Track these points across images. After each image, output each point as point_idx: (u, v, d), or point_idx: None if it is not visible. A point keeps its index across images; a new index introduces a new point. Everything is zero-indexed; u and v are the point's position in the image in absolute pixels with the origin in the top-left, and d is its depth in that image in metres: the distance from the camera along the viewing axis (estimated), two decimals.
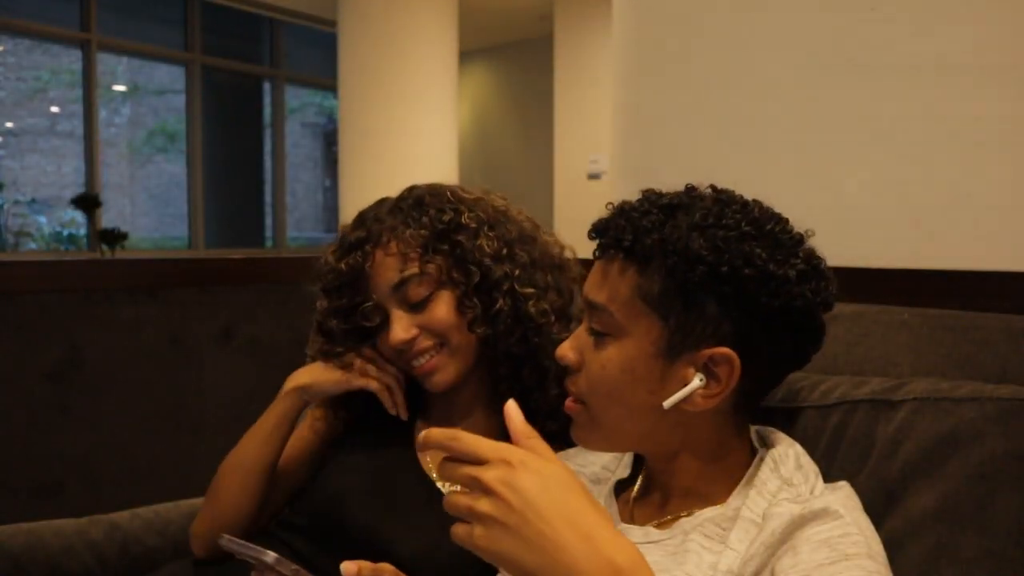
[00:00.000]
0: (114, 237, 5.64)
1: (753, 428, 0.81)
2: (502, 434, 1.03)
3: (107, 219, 6.62)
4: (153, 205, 7.74)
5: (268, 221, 8.12)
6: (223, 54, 7.55)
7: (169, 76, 7.46)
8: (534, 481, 0.56)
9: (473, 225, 1.01)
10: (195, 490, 1.27)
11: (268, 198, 8.10)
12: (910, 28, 1.09)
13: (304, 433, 1.13)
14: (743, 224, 0.71)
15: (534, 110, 7.48)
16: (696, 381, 0.72)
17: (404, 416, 1.05)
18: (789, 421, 0.85)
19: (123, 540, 1.26)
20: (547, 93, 6.55)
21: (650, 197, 0.77)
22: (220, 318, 1.81)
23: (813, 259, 0.74)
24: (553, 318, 1.02)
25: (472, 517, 0.57)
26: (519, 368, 1.01)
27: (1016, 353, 0.80)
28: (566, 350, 0.78)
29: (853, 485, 0.75)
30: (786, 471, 0.74)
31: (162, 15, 7.32)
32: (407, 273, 0.98)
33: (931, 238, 1.08)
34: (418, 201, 1.03)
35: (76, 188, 6.60)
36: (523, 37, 7.68)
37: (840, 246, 0.80)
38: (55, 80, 6.87)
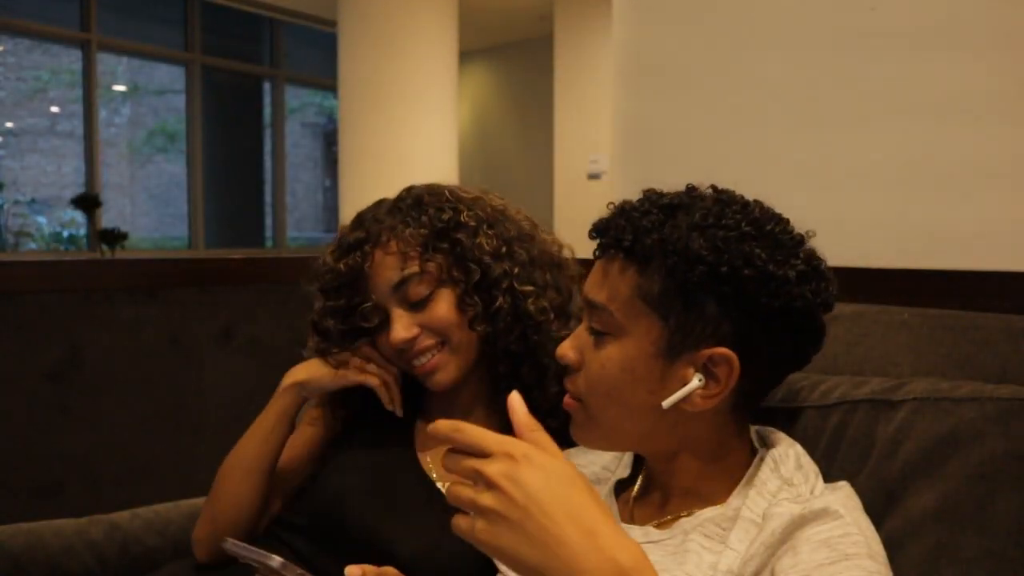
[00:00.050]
0: (114, 237, 5.64)
1: (753, 428, 0.81)
2: (503, 432, 1.03)
3: (107, 219, 6.62)
4: (153, 205, 7.74)
5: (268, 221, 8.12)
6: (223, 54, 7.55)
7: (169, 76, 7.46)
8: (537, 476, 0.56)
9: (472, 223, 1.01)
10: (195, 490, 1.27)
11: (268, 198, 8.10)
12: (911, 27, 1.09)
13: (303, 434, 1.13)
14: (743, 224, 0.71)
15: (534, 110, 7.48)
16: (695, 381, 0.72)
17: (399, 413, 1.05)
18: (789, 421, 0.85)
19: (123, 540, 1.26)
20: (547, 93, 6.55)
21: (651, 197, 0.77)
22: (220, 318, 1.81)
23: (813, 260, 0.74)
24: (552, 316, 1.02)
25: (474, 510, 0.57)
26: (519, 366, 1.01)
27: (1016, 353, 0.80)
28: (566, 349, 0.78)
29: (853, 485, 0.75)
30: (786, 471, 0.74)
31: (162, 15, 7.32)
32: (407, 272, 0.98)
33: (931, 238, 1.08)
34: (417, 200, 1.03)
35: (76, 188, 6.60)
36: (523, 37, 7.68)
37: (840, 246, 0.80)
38: (55, 80, 6.87)
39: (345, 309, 1.03)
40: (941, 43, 1.07)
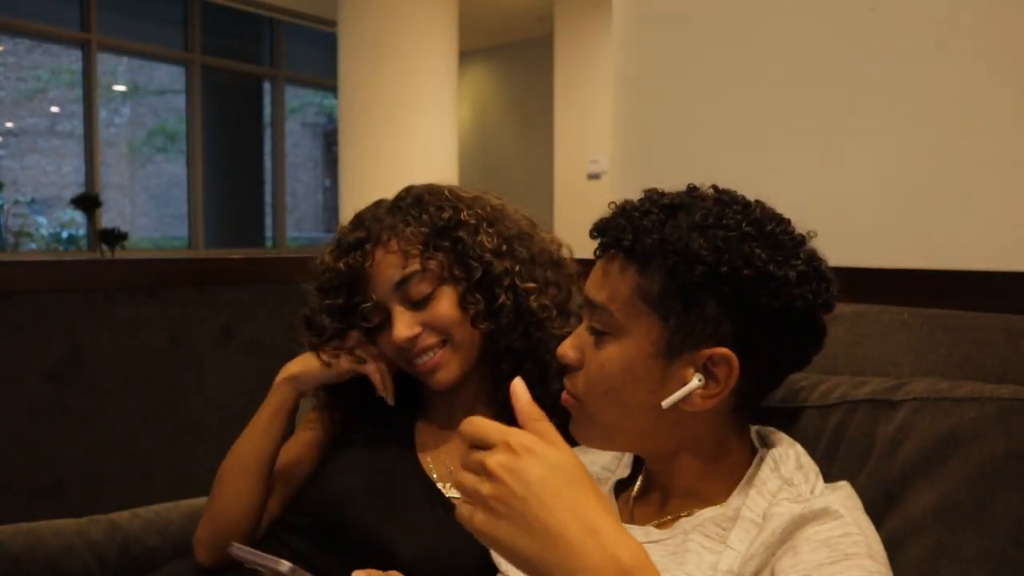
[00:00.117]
0: (114, 237, 5.64)
1: (753, 428, 0.81)
2: None
3: (107, 219, 6.62)
4: (153, 205, 7.74)
5: (268, 221, 8.12)
6: (223, 54, 7.55)
7: (169, 76, 7.46)
8: (537, 467, 0.56)
9: (473, 222, 1.01)
10: (195, 490, 1.27)
11: (268, 198, 8.10)
12: (911, 27, 1.09)
13: (301, 436, 1.13)
14: (744, 224, 0.71)
15: (534, 110, 7.48)
16: (695, 381, 0.72)
17: (391, 400, 1.05)
18: (789, 421, 0.85)
19: (123, 540, 1.25)
20: (547, 93, 6.55)
21: (651, 197, 0.77)
22: (220, 318, 1.81)
23: (814, 260, 0.74)
24: (555, 312, 1.02)
25: (475, 500, 0.57)
26: (521, 364, 1.01)
27: (1016, 353, 0.80)
28: (566, 349, 0.78)
29: (853, 485, 0.75)
30: (786, 471, 0.74)
31: (162, 15, 7.32)
32: (409, 270, 0.98)
33: (931, 238, 1.08)
34: (417, 200, 1.03)
35: (76, 188, 6.60)
36: (523, 37, 7.68)
37: (840, 246, 0.80)
38: (55, 80, 6.87)
39: (344, 308, 1.03)
40: (942, 43, 1.07)
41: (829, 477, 0.76)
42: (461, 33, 5.59)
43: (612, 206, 0.78)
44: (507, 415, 1.09)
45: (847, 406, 0.82)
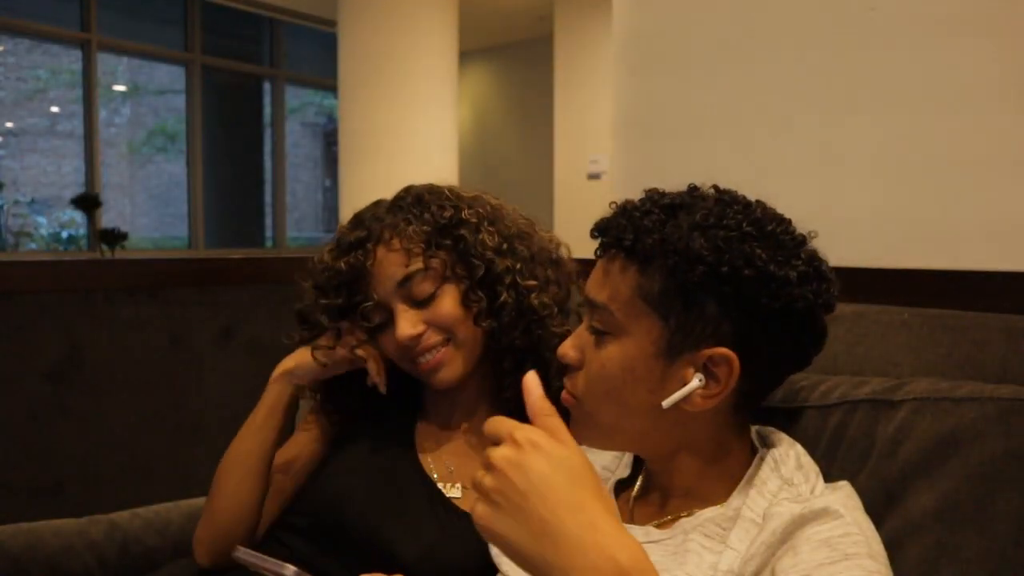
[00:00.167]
0: (114, 237, 5.64)
1: (753, 428, 0.81)
2: None
3: (107, 219, 6.62)
4: (153, 205, 7.74)
5: (268, 221, 8.12)
6: (223, 54, 7.55)
7: (169, 76, 7.46)
8: (540, 463, 0.56)
9: (474, 220, 1.02)
10: (195, 490, 1.27)
11: (268, 198, 8.10)
12: (910, 27, 1.09)
13: (299, 438, 1.12)
14: (744, 225, 0.71)
15: (534, 110, 7.48)
16: (695, 381, 0.72)
17: (383, 389, 1.04)
18: (789, 421, 0.85)
19: (123, 540, 1.25)
20: (547, 93, 6.55)
21: (652, 197, 0.77)
22: (220, 318, 1.81)
23: (815, 261, 0.74)
24: (555, 310, 1.03)
25: (480, 493, 0.57)
26: (522, 362, 1.01)
27: (1016, 353, 0.80)
28: (567, 348, 0.78)
29: (853, 485, 0.75)
30: (786, 471, 0.74)
31: (162, 15, 7.32)
32: (412, 269, 0.98)
33: (931, 238, 1.08)
34: (418, 199, 1.03)
35: (76, 188, 6.60)
36: (523, 37, 7.68)
37: (840, 246, 0.80)
38: (55, 80, 6.87)
39: (343, 308, 1.03)
40: (942, 43, 1.07)
41: (829, 477, 0.76)
42: (461, 33, 5.59)
43: (613, 206, 0.78)
44: (507, 413, 1.09)
45: (847, 406, 0.82)
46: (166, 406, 1.75)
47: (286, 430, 1.08)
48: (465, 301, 0.99)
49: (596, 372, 0.75)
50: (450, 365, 1.00)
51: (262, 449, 1.05)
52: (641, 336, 0.73)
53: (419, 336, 0.99)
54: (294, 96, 8.37)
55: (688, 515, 0.76)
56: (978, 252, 1.03)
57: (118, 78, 7.36)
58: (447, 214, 1.01)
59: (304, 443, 1.12)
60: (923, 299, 0.93)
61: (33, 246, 6.76)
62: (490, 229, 1.02)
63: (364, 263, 1.00)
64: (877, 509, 0.74)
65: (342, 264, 1.00)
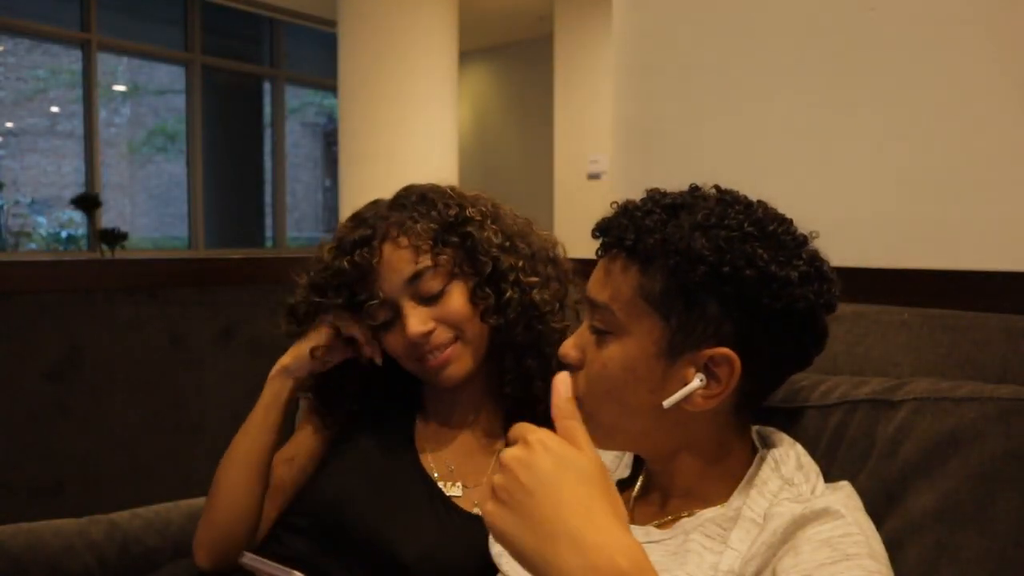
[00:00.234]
0: (114, 237, 5.63)
1: (754, 428, 0.81)
2: (503, 432, 1.03)
3: (107, 219, 6.62)
4: (153, 205, 7.73)
5: (268, 221, 8.12)
6: (223, 54, 7.55)
7: (169, 76, 7.46)
8: (548, 462, 0.56)
9: (478, 218, 1.02)
10: (195, 490, 1.26)
11: (268, 198, 8.10)
12: (910, 28, 1.09)
13: (297, 439, 1.12)
14: (746, 225, 0.71)
15: (534, 110, 7.48)
16: (696, 381, 0.72)
17: (379, 360, 1.04)
18: (790, 421, 0.85)
19: (123, 540, 1.25)
20: (547, 93, 6.55)
21: (654, 196, 0.77)
22: (220, 318, 1.81)
23: (816, 261, 0.74)
24: (558, 306, 1.04)
25: (492, 491, 0.58)
26: (523, 358, 1.02)
27: (1016, 353, 0.80)
28: (568, 348, 0.78)
29: (853, 485, 0.75)
30: (787, 471, 0.74)
31: (162, 15, 7.32)
32: (421, 266, 0.98)
33: (931, 238, 1.08)
34: (422, 197, 1.04)
35: (76, 188, 6.60)
36: (523, 37, 7.67)
37: (841, 246, 0.80)
38: (55, 80, 6.86)
39: (346, 308, 1.02)
40: (941, 43, 1.07)
41: (829, 477, 0.76)
42: (461, 33, 5.59)
43: (614, 206, 0.78)
44: (507, 411, 1.09)
45: (847, 406, 0.82)
46: (166, 406, 1.75)
47: (285, 428, 1.08)
48: (473, 298, 1.00)
49: (597, 372, 0.75)
50: (458, 362, 1.00)
51: (261, 448, 1.04)
52: (642, 336, 0.73)
53: (429, 333, 0.99)
54: (294, 96, 8.36)
55: (689, 515, 0.76)
56: (978, 252, 1.03)
57: (118, 78, 7.36)
58: (453, 212, 1.01)
59: (303, 443, 1.12)
60: (923, 299, 0.93)
61: (33, 246, 6.76)
62: (493, 227, 1.03)
63: (370, 261, 0.99)
64: (877, 509, 0.74)
65: (345, 263, 1.00)
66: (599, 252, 0.78)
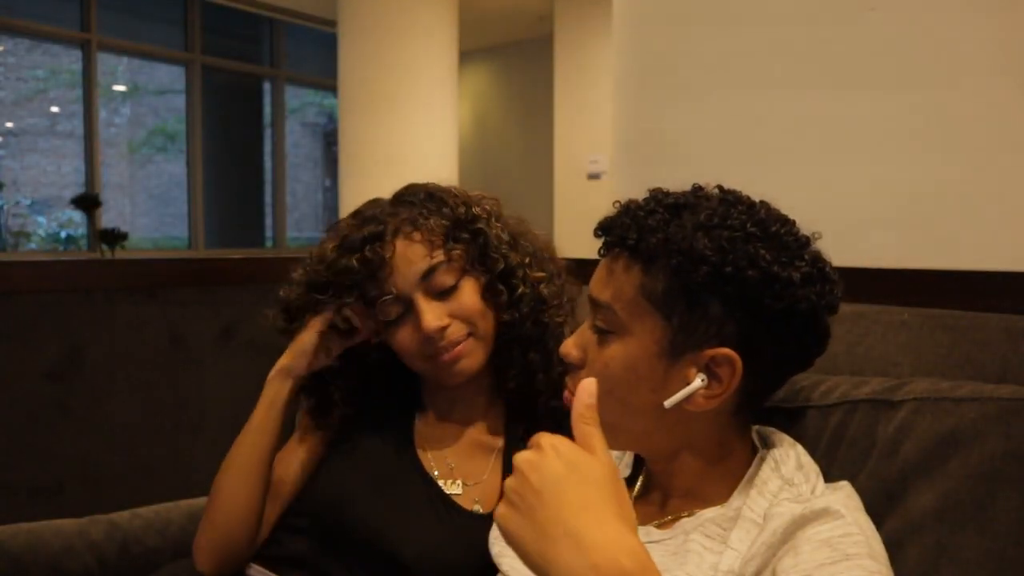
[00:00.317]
0: (114, 237, 5.63)
1: (754, 428, 0.81)
2: (509, 422, 1.03)
3: (107, 219, 6.61)
4: (153, 205, 7.73)
5: (268, 221, 8.12)
6: (223, 54, 7.55)
7: (169, 76, 7.45)
8: (557, 465, 0.57)
9: (485, 216, 1.04)
10: (195, 490, 1.26)
11: (268, 198, 8.09)
12: (910, 28, 1.09)
13: (297, 440, 1.12)
14: (748, 225, 0.71)
15: (534, 110, 7.48)
16: (698, 381, 0.72)
17: (373, 339, 1.05)
18: (790, 421, 0.85)
19: (123, 540, 1.25)
20: (547, 93, 6.55)
21: (656, 196, 0.77)
22: (220, 318, 1.81)
23: (819, 262, 0.74)
24: (565, 299, 1.06)
25: (504, 494, 0.59)
26: (528, 351, 1.03)
27: (1016, 353, 0.80)
28: (570, 347, 0.78)
29: (853, 485, 0.75)
30: (787, 471, 0.74)
31: (162, 15, 7.32)
32: (435, 261, 0.99)
33: (932, 238, 1.08)
34: (429, 195, 1.04)
35: (76, 188, 6.60)
36: (523, 37, 7.67)
37: (841, 246, 0.80)
38: (55, 80, 6.86)
39: (345, 305, 1.02)
40: (942, 43, 1.07)
41: (829, 477, 0.76)
42: (461, 33, 5.59)
43: (617, 205, 0.78)
44: (506, 409, 1.09)
45: (847, 406, 0.82)
46: (166, 406, 1.75)
47: (285, 428, 1.08)
48: (485, 294, 1.01)
49: (598, 371, 0.75)
50: (470, 357, 1.01)
51: (261, 450, 1.04)
52: (644, 335, 0.73)
53: (444, 328, 0.98)
54: (294, 96, 8.36)
55: (689, 515, 0.76)
56: (978, 252, 1.03)
57: (118, 78, 7.36)
58: (462, 210, 1.02)
59: (303, 443, 1.11)
60: (923, 299, 0.93)
61: (33, 246, 6.76)
62: (498, 225, 1.04)
63: (383, 256, 0.99)
64: (877, 509, 0.74)
65: (354, 261, 0.99)
66: (601, 251, 0.78)
